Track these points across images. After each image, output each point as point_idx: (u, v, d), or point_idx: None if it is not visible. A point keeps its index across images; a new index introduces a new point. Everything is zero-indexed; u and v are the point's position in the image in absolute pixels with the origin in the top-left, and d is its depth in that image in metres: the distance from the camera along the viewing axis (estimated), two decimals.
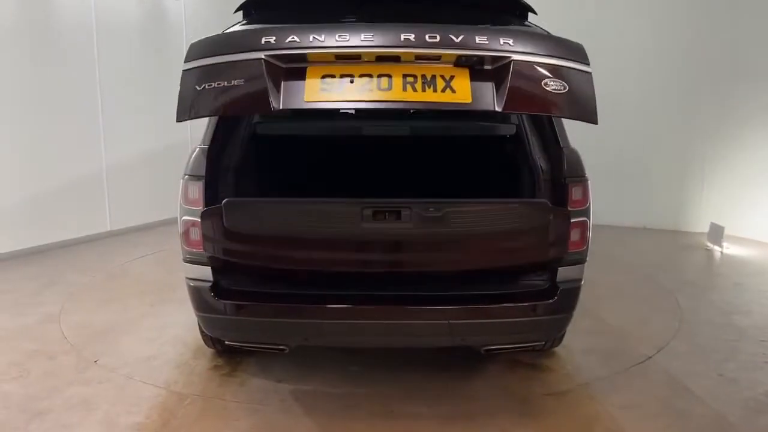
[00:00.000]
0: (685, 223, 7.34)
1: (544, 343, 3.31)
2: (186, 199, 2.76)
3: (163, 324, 4.11)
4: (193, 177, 2.75)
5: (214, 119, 2.91)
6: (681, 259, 6.23)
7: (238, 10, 3.15)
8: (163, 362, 3.51)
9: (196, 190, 2.72)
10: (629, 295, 4.92)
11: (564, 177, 2.80)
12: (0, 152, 5.66)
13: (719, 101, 6.98)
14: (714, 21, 6.90)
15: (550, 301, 2.75)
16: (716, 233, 6.44)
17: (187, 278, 2.83)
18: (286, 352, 3.02)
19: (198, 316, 2.90)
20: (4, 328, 4.04)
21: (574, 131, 3.05)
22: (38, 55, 5.95)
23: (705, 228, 6.80)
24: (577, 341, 3.76)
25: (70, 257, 5.93)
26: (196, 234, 2.71)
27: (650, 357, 3.62)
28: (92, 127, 6.60)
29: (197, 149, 2.85)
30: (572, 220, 2.75)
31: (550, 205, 2.76)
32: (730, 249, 6.34)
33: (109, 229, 6.83)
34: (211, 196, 2.79)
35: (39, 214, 6.06)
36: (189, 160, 2.82)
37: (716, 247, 6.39)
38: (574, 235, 2.75)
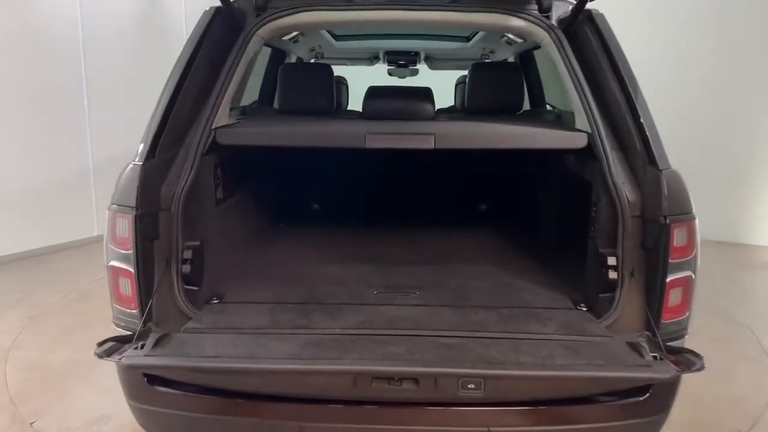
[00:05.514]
0: (745, 234, 6.40)
1: None
2: (113, 237, 1.94)
3: None
4: (122, 207, 1.92)
5: (156, 119, 2.02)
6: (750, 282, 5.30)
7: None
8: (115, 427, 2.76)
9: (126, 225, 1.89)
10: (700, 336, 3.98)
11: (663, 213, 1.92)
12: None
13: None
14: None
15: (640, 398, 1.86)
16: None
17: None
18: None
19: (129, 405, 2.05)
20: None
21: None
22: (22, 55, 5.51)
23: None
24: None
25: (49, 267, 5.38)
26: (127, 288, 1.91)
27: None
28: (79, 127, 6.15)
29: (128, 167, 1.97)
30: (672, 278, 1.89)
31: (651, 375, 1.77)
32: None
33: (96, 233, 6.22)
34: (148, 234, 1.97)
35: (23, 219, 5.66)
36: (117, 183, 1.96)
37: None
38: (674, 298, 1.89)
